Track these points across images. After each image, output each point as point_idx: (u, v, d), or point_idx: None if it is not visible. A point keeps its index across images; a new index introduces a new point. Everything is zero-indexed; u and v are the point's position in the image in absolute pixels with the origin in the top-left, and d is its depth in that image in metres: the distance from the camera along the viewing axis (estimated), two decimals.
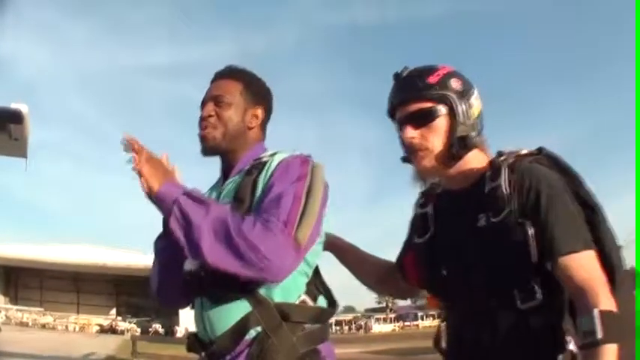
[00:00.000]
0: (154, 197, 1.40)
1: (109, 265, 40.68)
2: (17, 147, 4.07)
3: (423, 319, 56.86)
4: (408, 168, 1.62)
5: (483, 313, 1.47)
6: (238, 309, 1.41)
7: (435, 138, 1.51)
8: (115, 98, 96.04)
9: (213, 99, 1.61)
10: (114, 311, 48.25)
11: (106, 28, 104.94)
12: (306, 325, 1.45)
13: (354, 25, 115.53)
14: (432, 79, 1.50)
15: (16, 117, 3.48)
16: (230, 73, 1.67)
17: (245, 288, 1.39)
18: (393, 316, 60.85)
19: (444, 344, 1.62)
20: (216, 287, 1.41)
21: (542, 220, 1.39)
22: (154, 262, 1.60)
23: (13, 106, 3.49)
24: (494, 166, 1.50)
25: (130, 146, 1.41)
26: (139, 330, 36.25)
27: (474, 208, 1.49)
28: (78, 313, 46.65)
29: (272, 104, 1.72)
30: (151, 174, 1.40)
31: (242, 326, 1.40)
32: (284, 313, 1.41)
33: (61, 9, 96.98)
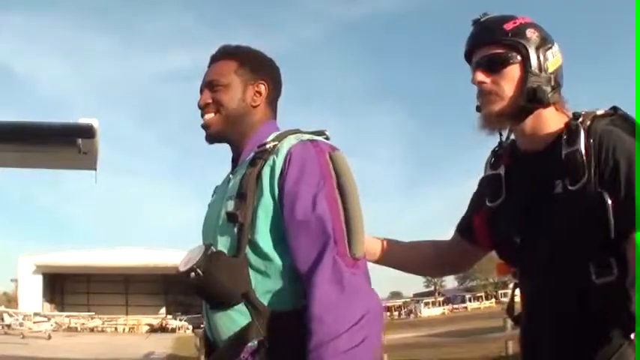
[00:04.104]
0: None
1: (157, 265, 41.40)
2: (86, 160, 4.03)
3: (470, 301, 57.25)
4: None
5: (557, 285, 1.44)
6: (236, 317, 1.33)
7: (507, 85, 1.49)
8: (144, 106, 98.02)
9: (207, 85, 1.54)
10: (163, 310, 49.29)
11: (126, 38, 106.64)
12: None
13: (376, 14, 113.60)
14: (508, 26, 1.50)
15: (86, 132, 3.57)
16: (223, 54, 1.58)
17: (243, 295, 1.32)
18: (441, 299, 61.79)
19: (516, 312, 1.64)
20: (212, 293, 1.35)
21: (618, 192, 1.35)
22: None
23: (83, 120, 3.56)
24: (570, 129, 1.44)
25: None
26: (190, 327, 36.52)
27: (550, 174, 1.45)
28: (127, 314, 47.71)
29: (278, 77, 1.62)
30: None
31: (241, 337, 1.30)
32: (282, 322, 1.30)
33: (79, 24, 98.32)
